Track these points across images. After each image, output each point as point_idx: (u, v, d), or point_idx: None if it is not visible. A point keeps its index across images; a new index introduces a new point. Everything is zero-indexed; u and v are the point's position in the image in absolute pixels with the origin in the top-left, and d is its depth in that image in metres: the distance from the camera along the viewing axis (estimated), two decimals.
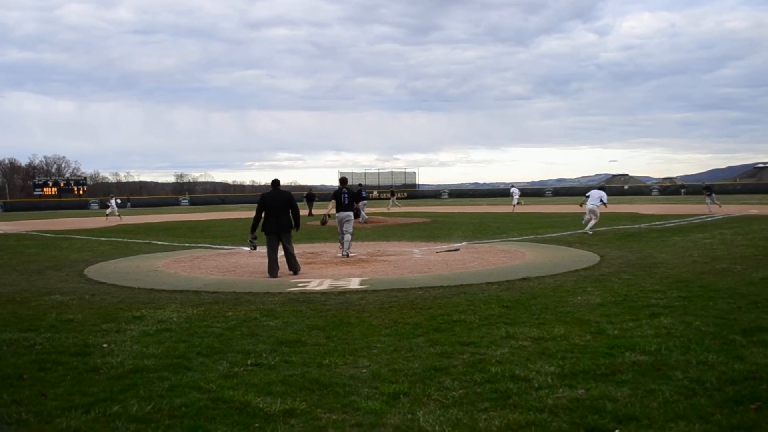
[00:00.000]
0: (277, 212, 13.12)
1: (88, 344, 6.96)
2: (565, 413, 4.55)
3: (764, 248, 15.37)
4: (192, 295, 10.42)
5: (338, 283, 11.43)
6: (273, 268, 12.80)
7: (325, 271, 13.35)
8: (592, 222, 21.90)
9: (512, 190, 45.78)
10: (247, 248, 15.74)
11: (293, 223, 13.35)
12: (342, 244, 16.03)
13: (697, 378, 5.23)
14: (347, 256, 15.65)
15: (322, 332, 7.40)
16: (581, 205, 23.24)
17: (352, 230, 16.10)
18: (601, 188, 24.67)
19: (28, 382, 5.58)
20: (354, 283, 11.33)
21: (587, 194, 22.63)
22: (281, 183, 13.58)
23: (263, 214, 13.14)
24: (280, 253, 13.12)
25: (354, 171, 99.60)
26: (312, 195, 42.90)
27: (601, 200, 22.24)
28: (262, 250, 18.27)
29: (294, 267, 13.14)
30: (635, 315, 7.86)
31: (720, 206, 34.67)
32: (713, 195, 35.41)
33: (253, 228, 13.56)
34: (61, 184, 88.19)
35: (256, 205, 13.25)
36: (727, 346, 6.23)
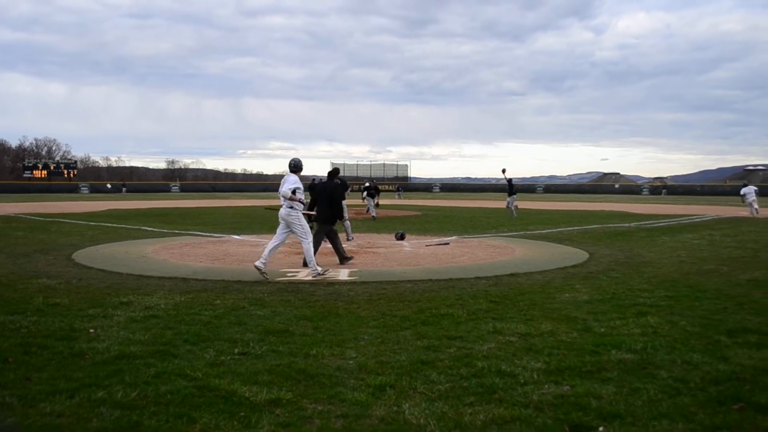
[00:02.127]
0: (321, 202, 13.45)
1: (74, 329, 6.94)
2: (550, 409, 4.57)
3: (752, 250, 15.46)
4: (180, 282, 10.39)
5: (327, 274, 11.41)
6: (342, 256, 13.19)
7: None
8: None
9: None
10: (237, 237, 15.71)
11: (336, 214, 13.54)
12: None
13: (682, 377, 5.26)
14: (352, 238, 17.33)
15: (309, 323, 7.40)
16: None
17: (348, 216, 17.07)
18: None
19: (13, 365, 5.56)
20: (343, 275, 11.33)
21: None
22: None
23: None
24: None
25: (346, 162, 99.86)
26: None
27: None
28: (249, 239, 18.28)
29: (341, 258, 13.08)
30: (622, 313, 7.90)
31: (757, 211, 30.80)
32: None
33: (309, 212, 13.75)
34: (51, 167, 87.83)
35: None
36: (712, 347, 6.27)
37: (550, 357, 5.91)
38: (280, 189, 11.09)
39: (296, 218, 11.13)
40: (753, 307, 8.27)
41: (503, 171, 29.07)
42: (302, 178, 11.51)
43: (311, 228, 12.99)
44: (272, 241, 11.36)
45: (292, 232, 11.25)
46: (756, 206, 30.86)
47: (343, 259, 13.12)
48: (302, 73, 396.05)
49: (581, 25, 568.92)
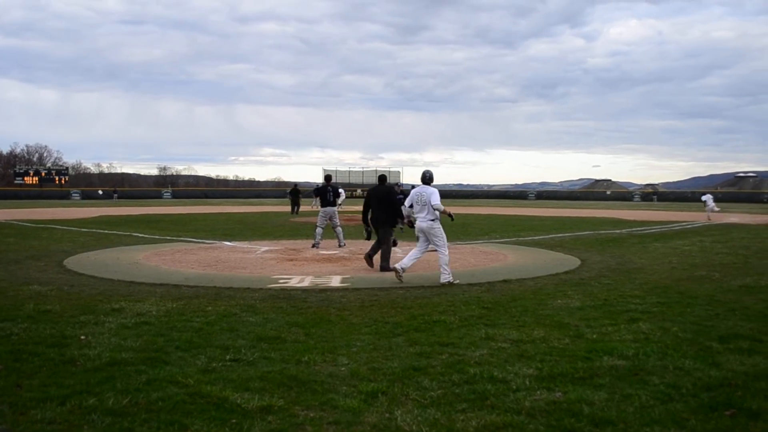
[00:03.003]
0: (375, 207, 13.56)
1: (65, 336, 6.90)
2: (542, 416, 4.57)
3: (743, 256, 15.52)
4: (172, 288, 10.37)
5: (319, 280, 11.41)
6: (370, 256, 13.32)
7: (307, 268, 13.32)
8: None
9: None
10: (229, 243, 15.76)
11: (391, 218, 13.53)
12: (317, 236, 17.60)
13: (674, 383, 5.27)
14: (344, 245, 17.50)
15: (301, 329, 7.38)
16: None
17: (339, 222, 18.12)
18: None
19: (3, 372, 5.52)
20: (335, 281, 11.32)
21: None
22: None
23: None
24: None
25: (338, 168, 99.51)
26: (297, 191, 41.69)
27: None
28: (241, 245, 18.25)
29: (384, 265, 12.91)
30: (614, 319, 7.91)
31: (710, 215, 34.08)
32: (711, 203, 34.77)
33: (364, 220, 14.04)
34: (43, 174, 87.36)
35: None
36: (704, 353, 6.28)
37: (542, 363, 5.91)
38: (412, 202, 11.50)
39: (439, 230, 11.38)
40: (744, 313, 8.30)
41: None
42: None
43: (369, 235, 13.30)
44: (414, 253, 11.59)
45: (430, 242, 11.45)
46: (715, 210, 34.97)
47: (386, 267, 12.82)
48: (295, 80, 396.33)
49: (573, 32, 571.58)
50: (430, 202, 11.25)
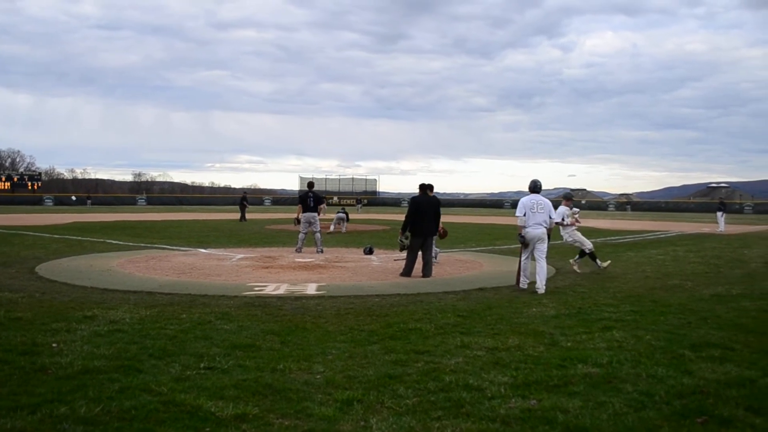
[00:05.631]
0: (427, 217, 13.66)
1: (36, 343, 6.81)
2: (517, 423, 4.59)
3: (715, 266, 15.71)
4: (146, 296, 10.27)
5: (295, 288, 11.38)
6: (410, 269, 13.42)
7: (283, 275, 13.28)
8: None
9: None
10: (204, 250, 15.67)
11: (437, 227, 13.98)
12: (299, 242, 18.35)
13: (647, 391, 5.32)
14: (322, 251, 18.08)
15: (276, 337, 7.35)
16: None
17: (319, 229, 18.71)
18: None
19: None
20: (311, 289, 11.29)
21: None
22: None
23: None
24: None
25: (315, 176, 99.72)
26: (245, 198, 41.81)
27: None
28: (216, 252, 18.15)
29: (428, 272, 13.38)
30: (588, 328, 7.97)
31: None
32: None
33: (404, 228, 13.91)
34: (15, 179, 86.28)
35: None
36: (677, 361, 6.35)
37: (517, 371, 5.94)
38: (526, 211, 11.65)
39: (547, 239, 11.83)
40: (716, 322, 8.40)
41: None
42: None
43: (406, 241, 13.30)
44: (526, 263, 11.79)
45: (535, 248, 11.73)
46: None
47: (428, 273, 13.37)
48: (272, 87, 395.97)
49: (550, 43, 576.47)
50: (550, 212, 11.81)
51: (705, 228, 35.47)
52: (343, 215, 29.92)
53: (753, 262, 16.84)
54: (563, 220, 14.59)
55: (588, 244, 14.33)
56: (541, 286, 11.28)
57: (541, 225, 11.67)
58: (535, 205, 11.69)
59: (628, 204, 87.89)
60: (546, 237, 11.79)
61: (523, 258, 11.79)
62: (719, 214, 33.69)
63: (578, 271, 13.85)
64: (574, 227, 14.81)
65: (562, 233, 14.98)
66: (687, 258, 17.76)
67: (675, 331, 7.77)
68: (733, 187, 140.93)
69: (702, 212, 66.91)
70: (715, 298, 10.53)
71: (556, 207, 12.92)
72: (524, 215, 11.69)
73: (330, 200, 69.25)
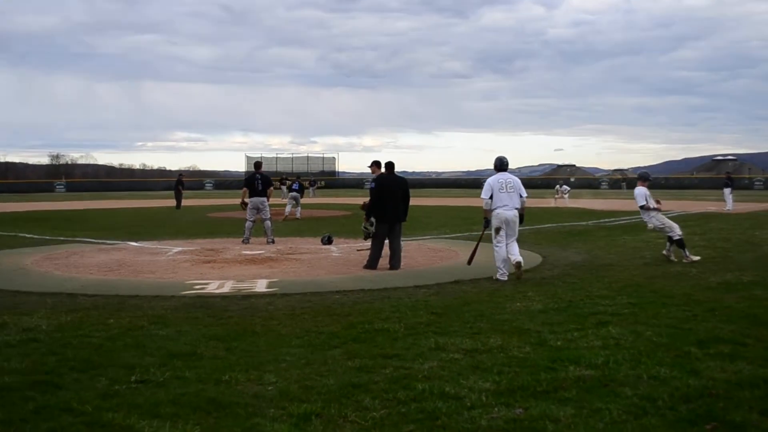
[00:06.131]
0: (395, 199, 13.65)
1: None
2: None
3: (722, 249, 15.96)
4: (66, 298, 10.15)
5: (242, 285, 11.32)
6: (376, 261, 13.48)
7: (227, 270, 13.20)
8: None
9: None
10: (135, 243, 15.49)
11: (406, 211, 14.02)
12: (246, 231, 18.38)
13: (648, 395, 5.36)
14: (273, 242, 18.17)
15: (221, 343, 7.30)
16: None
17: (269, 216, 18.69)
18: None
19: None
20: (261, 286, 11.24)
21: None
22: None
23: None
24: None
25: (264, 155, 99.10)
26: (181, 181, 41.83)
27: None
28: (149, 245, 17.96)
29: (396, 263, 13.46)
30: (580, 324, 8.03)
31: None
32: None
33: (369, 214, 13.91)
34: None
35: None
36: (681, 360, 6.42)
37: (500, 376, 5.96)
38: (492, 192, 11.97)
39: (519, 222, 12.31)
40: (725, 314, 8.51)
41: None
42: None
43: (371, 228, 13.24)
44: (513, 247, 12.08)
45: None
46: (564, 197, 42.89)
47: (397, 264, 13.46)
48: (214, 53, 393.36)
49: None
50: (521, 190, 12.15)
51: (710, 206, 36.02)
52: (297, 194, 29.83)
53: (765, 245, 17.16)
54: (647, 201, 14.55)
55: (677, 230, 14.24)
56: (515, 254, 11.79)
57: (511, 208, 11.93)
58: (503, 185, 11.92)
59: (623, 181, 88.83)
60: (518, 220, 12.11)
61: (496, 244, 12.00)
62: (726, 190, 34.29)
63: (674, 260, 13.89)
64: (658, 211, 14.67)
65: (645, 219, 14.92)
66: (691, 241, 17.95)
67: (679, 326, 7.86)
68: (741, 160, 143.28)
69: (707, 189, 68.01)
70: (724, 287, 10.68)
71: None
72: (490, 197, 11.93)
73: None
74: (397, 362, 6.45)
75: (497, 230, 11.97)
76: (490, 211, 12.01)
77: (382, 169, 13.94)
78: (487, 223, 12.10)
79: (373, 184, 13.97)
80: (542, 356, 6.59)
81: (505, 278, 11.66)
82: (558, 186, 47.77)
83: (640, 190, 14.78)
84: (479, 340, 7.25)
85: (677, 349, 6.77)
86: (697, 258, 13.84)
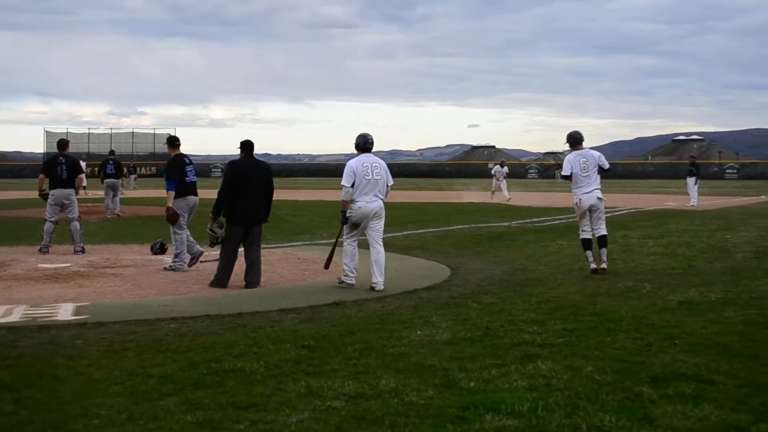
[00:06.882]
0: (254, 192, 13.55)
1: None
2: None
3: (684, 258, 16.47)
4: None
5: (38, 311, 11.06)
6: (227, 276, 13.39)
7: (18, 291, 12.87)
8: None
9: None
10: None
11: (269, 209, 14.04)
12: (45, 236, 17.98)
13: None
14: (82, 250, 17.92)
15: (8, 393, 7.12)
16: None
17: (77, 215, 18.35)
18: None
19: None
20: (65, 312, 11.00)
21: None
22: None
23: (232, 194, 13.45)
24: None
25: (71, 130, 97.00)
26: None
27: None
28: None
29: (255, 279, 13.34)
30: (501, 358, 8.16)
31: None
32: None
33: (218, 211, 13.73)
34: None
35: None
36: (631, 403, 6.59)
37: (393, 429, 6.00)
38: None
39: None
40: (687, 343, 8.78)
41: None
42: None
43: (220, 231, 13.08)
44: (350, 244, 12.81)
45: None
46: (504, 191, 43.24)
47: (255, 280, 13.37)
48: None
49: None
50: (388, 177, 12.84)
51: (670, 202, 37.15)
52: (115, 180, 29.46)
53: (739, 252, 17.79)
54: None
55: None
56: (379, 281, 12.24)
57: (377, 197, 12.45)
58: (369, 170, 12.29)
59: (557, 167, 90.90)
60: (383, 212, 12.69)
61: (347, 241, 12.47)
62: (690, 180, 35.46)
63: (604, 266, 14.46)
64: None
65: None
66: (644, 247, 18.52)
67: (628, 359, 8.07)
68: (708, 140, 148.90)
69: (665, 178, 70.27)
70: (686, 307, 11.03)
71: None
72: (352, 185, 12.29)
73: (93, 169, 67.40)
74: (254, 414, 6.42)
75: (355, 225, 12.45)
76: (350, 202, 12.37)
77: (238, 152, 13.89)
78: (346, 217, 12.46)
79: (222, 171, 13.92)
80: (450, 402, 6.66)
81: (353, 282, 12.36)
82: (494, 167, 47.58)
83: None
84: (366, 382, 7.28)
85: (626, 390, 6.94)
86: (602, 266, 14.45)
